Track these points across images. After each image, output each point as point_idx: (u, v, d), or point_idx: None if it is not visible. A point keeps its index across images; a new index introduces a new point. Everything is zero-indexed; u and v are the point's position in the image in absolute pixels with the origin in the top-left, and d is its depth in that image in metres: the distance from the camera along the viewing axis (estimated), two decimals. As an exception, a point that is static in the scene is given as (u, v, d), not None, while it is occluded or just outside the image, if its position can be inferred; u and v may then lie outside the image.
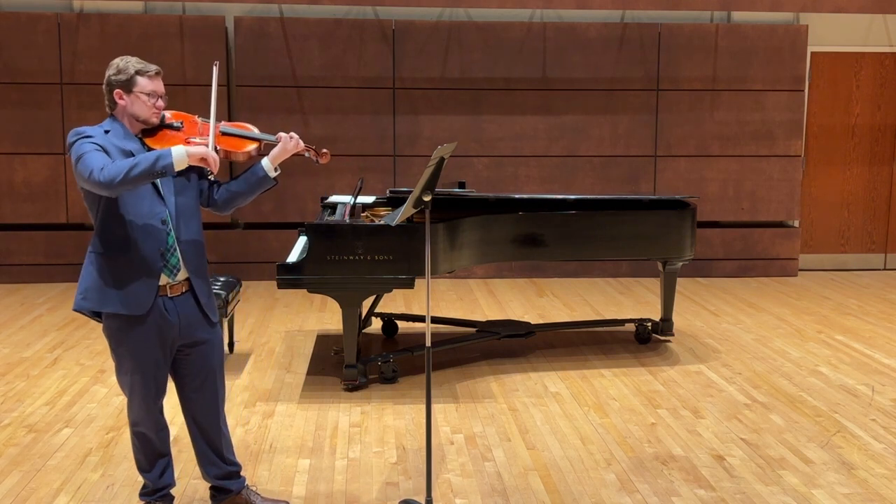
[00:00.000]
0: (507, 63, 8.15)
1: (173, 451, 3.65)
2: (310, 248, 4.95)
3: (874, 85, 8.69)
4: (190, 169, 3.31)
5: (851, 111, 8.71)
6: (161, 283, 3.20)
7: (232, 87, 8.05)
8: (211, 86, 3.40)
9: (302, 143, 3.42)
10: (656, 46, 8.24)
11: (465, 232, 5.24)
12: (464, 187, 5.81)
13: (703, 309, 7.16)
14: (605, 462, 4.12)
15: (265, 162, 3.38)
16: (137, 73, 3.19)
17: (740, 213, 8.51)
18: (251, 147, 3.39)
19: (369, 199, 5.94)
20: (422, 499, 3.59)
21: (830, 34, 8.57)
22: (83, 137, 3.10)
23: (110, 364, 5.44)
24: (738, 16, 8.39)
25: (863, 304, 7.40)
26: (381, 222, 5.24)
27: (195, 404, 3.42)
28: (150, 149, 3.23)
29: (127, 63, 3.21)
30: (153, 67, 3.24)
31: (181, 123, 3.34)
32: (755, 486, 3.87)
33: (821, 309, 7.21)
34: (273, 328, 6.49)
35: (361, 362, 5.17)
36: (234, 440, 3.95)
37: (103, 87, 3.23)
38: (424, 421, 4.19)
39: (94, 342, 6.01)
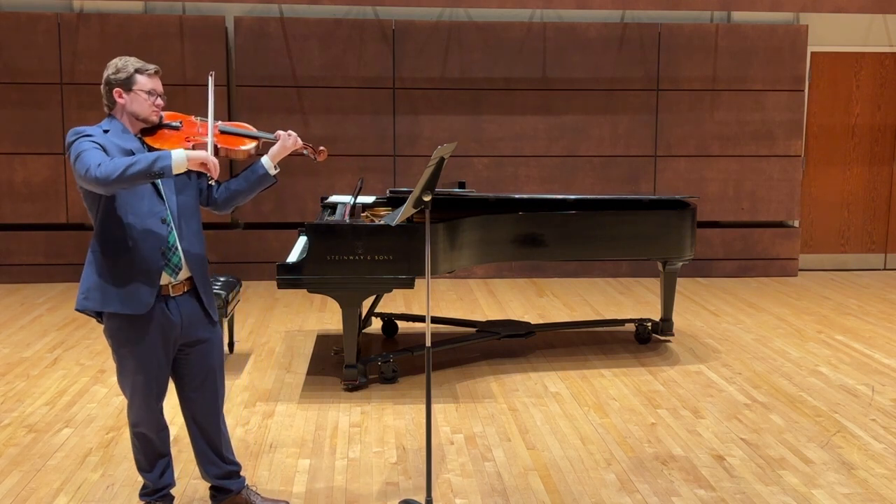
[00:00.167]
0: (507, 63, 8.15)
1: (173, 451, 3.65)
2: (310, 248, 4.95)
3: (874, 85, 8.69)
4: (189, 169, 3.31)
5: (851, 111, 8.71)
6: (163, 282, 3.21)
7: (232, 87, 8.05)
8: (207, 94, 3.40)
9: (300, 141, 3.45)
10: (656, 46, 8.24)
11: (465, 232, 5.24)
12: (464, 187, 5.81)
13: (703, 309, 7.16)
14: (605, 462, 4.13)
15: (265, 160, 3.40)
16: (137, 71, 3.20)
17: (740, 213, 8.51)
18: (251, 145, 3.41)
19: (369, 199, 5.94)
20: (422, 499, 3.59)
21: (830, 34, 8.57)
22: (82, 136, 3.10)
23: (110, 364, 5.45)
24: (738, 16, 8.39)
25: (863, 304, 7.40)
26: (381, 222, 5.24)
27: (195, 404, 3.42)
28: (149, 148, 3.24)
29: (126, 62, 3.22)
30: (152, 66, 3.26)
31: (180, 123, 3.35)
32: (755, 486, 3.87)
33: (821, 309, 7.21)
34: (273, 328, 6.49)
35: (361, 362, 5.17)
36: (234, 440, 3.95)
37: (102, 86, 3.23)
38: (424, 421, 4.19)
39: (94, 342, 6.01)
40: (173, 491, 3.53)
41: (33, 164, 7.88)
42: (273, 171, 3.40)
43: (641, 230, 5.72)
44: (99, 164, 2.96)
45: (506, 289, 7.86)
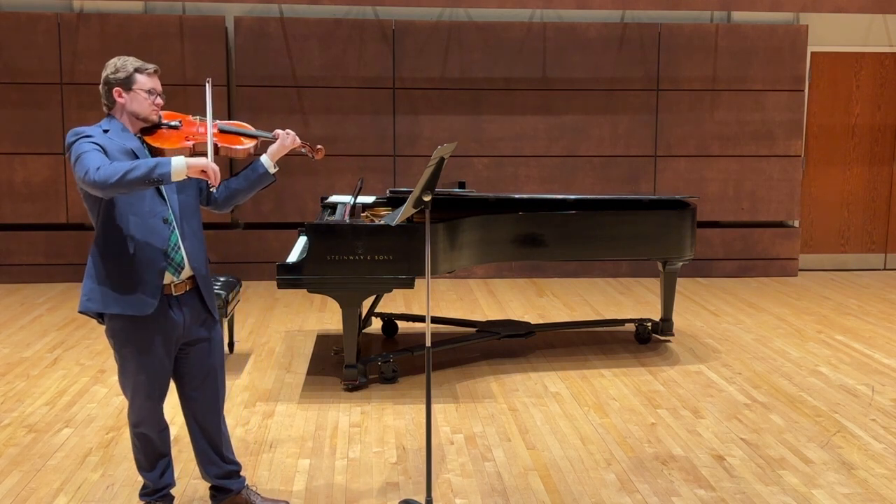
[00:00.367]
0: (507, 63, 8.15)
1: (173, 450, 3.65)
2: (310, 248, 4.95)
3: (874, 85, 8.69)
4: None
5: (851, 111, 8.71)
6: (165, 281, 3.21)
7: (232, 87, 8.05)
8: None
9: (298, 140, 3.48)
10: (656, 46, 8.24)
11: (465, 232, 5.24)
12: (464, 187, 5.81)
13: (703, 309, 7.16)
14: (605, 462, 4.13)
15: (264, 159, 3.41)
16: (136, 70, 3.20)
17: (740, 213, 8.51)
18: (250, 144, 3.43)
19: (369, 199, 5.94)
20: (422, 499, 3.59)
21: (830, 34, 8.57)
22: (82, 137, 3.10)
23: (110, 364, 5.46)
24: (738, 16, 8.39)
25: (863, 304, 7.40)
26: (381, 222, 5.24)
27: (196, 403, 3.42)
28: (149, 147, 3.24)
29: (125, 62, 3.22)
30: (151, 66, 3.26)
31: (179, 122, 3.35)
32: (755, 486, 3.87)
33: (821, 309, 7.21)
34: (273, 328, 6.49)
35: (361, 362, 5.17)
36: (234, 440, 3.95)
37: (101, 86, 3.23)
38: (424, 421, 4.19)
39: (94, 342, 6.01)
40: (173, 491, 3.53)
41: (33, 164, 7.88)
42: (272, 170, 3.42)
43: (641, 230, 5.72)
44: (98, 168, 2.94)
45: (506, 289, 7.86)
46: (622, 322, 6.23)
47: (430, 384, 3.54)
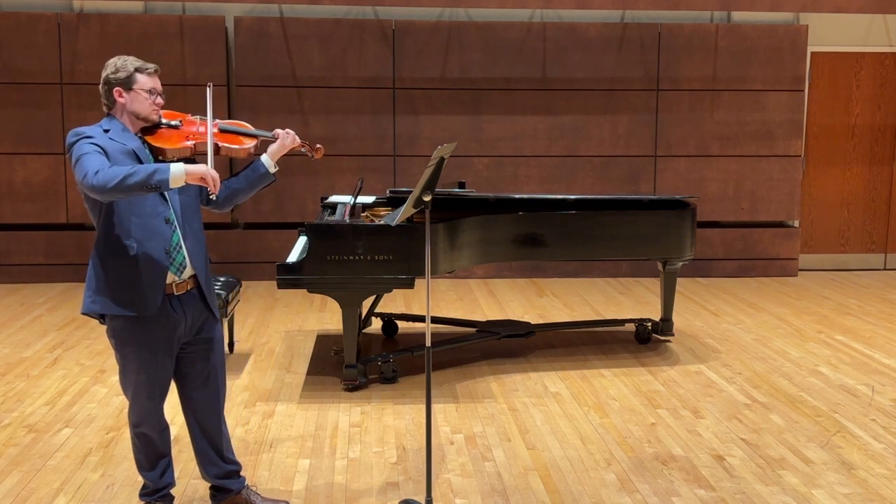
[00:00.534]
0: (507, 63, 8.15)
1: (173, 451, 3.64)
2: (310, 248, 4.95)
3: (874, 85, 8.69)
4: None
5: (851, 111, 8.71)
6: (167, 281, 3.21)
7: (232, 87, 8.05)
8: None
9: (298, 139, 3.50)
10: (656, 46, 8.24)
11: (465, 232, 5.23)
12: (464, 187, 5.81)
13: (703, 309, 7.16)
14: (605, 462, 4.13)
15: (265, 158, 3.42)
16: (137, 70, 3.20)
17: (740, 213, 8.51)
18: (250, 144, 3.43)
19: (369, 199, 5.94)
20: (422, 499, 3.59)
21: (830, 34, 8.57)
22: (83, 138, 3.10)
23: (110, 364, 5.46)
24: (738, 16, 8.39)
25: (863, 304, 7.40)
26: (381, 222, 5.24)
27: (197, 402, 3.42)
28: (150, 147, 3.24)
29: (125, 61, 3.22)
30: (151, 65, 3.26)
31: (179, 122, 3.35)
32: (755, 486, 3.87)
33: (821, 309, 7.21)
34: (273, 328, 6.49)
35: (361, 362, 5.17)
36: (234, 440, 3.95)
37: (100, 86, 3.23)
38: (424, 421, 4.19)
39: (94, 342, 6.01)
40: (173, 491, 3.53)
41: (33, 164, 7.88)
42: (273, 170, 3.43)
43: (641, 230, 5.72)
44: (96, 172, 2.93)
45: (506, 289, 7.86)
46: (622, 322, 6.23)
47: (430, 384, 3.54)
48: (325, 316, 6.85)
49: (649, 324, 6.13)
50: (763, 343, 6.15)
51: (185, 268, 3.26)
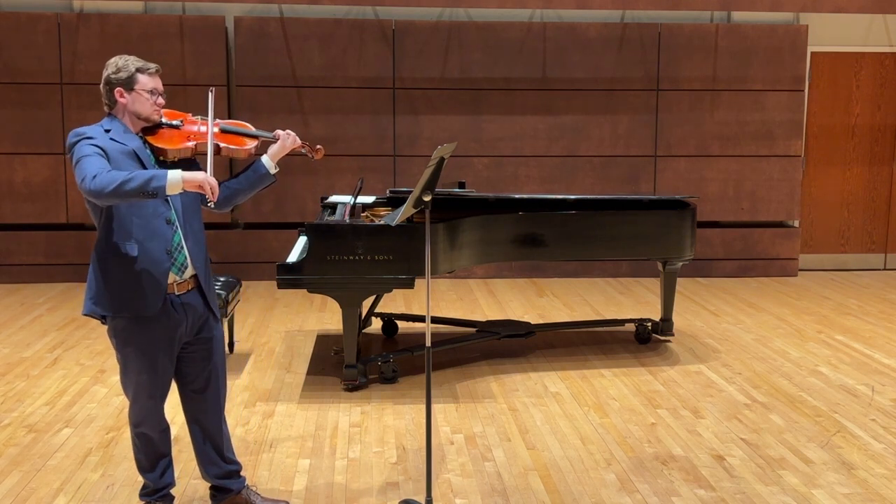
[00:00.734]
0: (507, 63, 8.15)
1: (173, 450, 3.64)
2: (310, 248, 4.95)
3: (874, 85, 8.69)
4: (191, 168, 3.32)
5: (851, 111, 8.71)
6: (168, 281, 3.21)
7: (232, 87, 8.05)
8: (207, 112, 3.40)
9: (298, 140, 3.50)
10: (656, 46, 8.24)
11: (465, 232, 5.24)
12: (464, 187, 5.81)
13: (703, 309, 7.16)
14: (605, 462, 4.13)
15: (265, 159, 3.42)
16: (138, 70, 3.19)
17: (740, 213, 8.51)
18: (251, 145, 3.44)
19: (369, 199, 5.94)
20: (422, 499, 3.59)
21: (830, 34, 8.57)
22: (84, 139, 3.09)
23: (110, 364, 5.46)
24: (738, 16, 8.39)
25: (863, 304, 7.40)
26: (381, 222, 5.24)
27: (197, 402, 3.42)
28: (151, 147, 3.24)
29: (126, 61, 3.21)
30: (152, 65, 3.25)
31: (181, 122, 3.35)
32: (755, 486, 3.87)
33: (821, 309, 7.21)
34: (273, 328, 6.49)
35: (361, 362, 5.17)
36: (234, 440, 3.95)
37: (101, 86, 3.22)
38: (424, 421, 4.19)
39: (94, 342, 6.01)
40: (173, 491, 3.53)
41: (33, 164, 7.88)
42: (273, 171, 3.44)
43: (641, 230, 5.72)
44: (94, 176, 2.93)
45: (506, 289, 7.86)
46: (622, 322, 6.23)
47: (430, 384, 3.54)
48: (325, 316, 6.85)
49: (649, 324, 6.13)
50: (763, 343, 6.16)
51: (186, 268, 3.26)
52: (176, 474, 3.61)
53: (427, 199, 3.48)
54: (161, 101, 3.26)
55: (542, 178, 8.31)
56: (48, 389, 5.07)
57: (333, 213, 5.66)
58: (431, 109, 8.15)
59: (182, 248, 3.25)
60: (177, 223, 3.24)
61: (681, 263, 5.91)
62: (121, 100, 3.20)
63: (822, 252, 8.87)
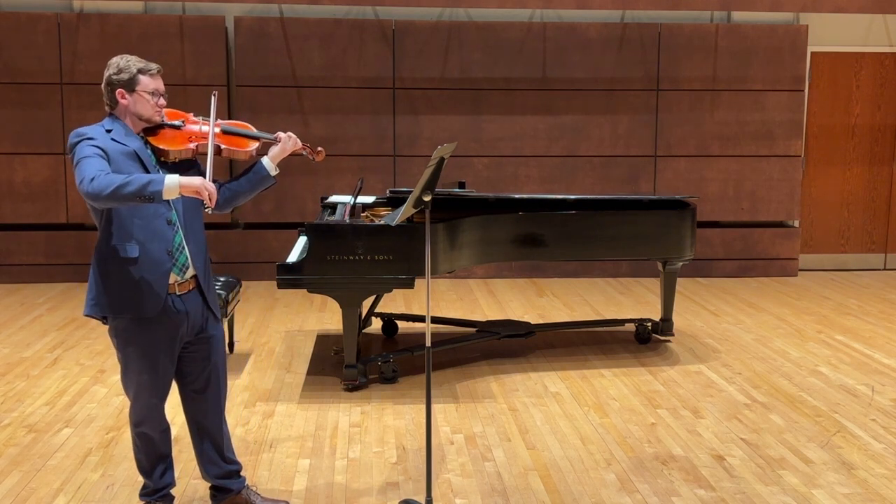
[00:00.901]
0: (507, 63, 8.15)
1: (173, 451, 3.64)
2: (310, 248, 4.95)
3: (874, 85, 8.69)
4: (191, 169, 3.32)
5: (851, 111, 8.71)
6: (170, 281, 3.21)
7: (232, 87, 8.05)
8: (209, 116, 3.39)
9: (299, 142, 3.50)
10: (656, 46, 8.24)
11: (465, 232, 5.24)
12: (464, 187, 5.81)
13: (703, 309, 7.16)
14: (605, 462, 4.13)
15: (266, 161, 3.42)
16: (140, 71, 3.19)
17: (740, 213, 8.51)
18: (253, 146, 3.44)
19: (369, 199, 5.94)
20: (422, 499, 3.59)
21: (830, 34, 8.57)
22: (84, 139, 3.09)
23: (110, 364, 5.46)
24: (738, 16, 8.39)
25: (863, 304, 7.40)
26: (381, 222, 5.24)
27: (198, 402, 3.43)
28: (152, 147, 3.24)
29: (128, 62, 3.20)
30: (154, 66, 3.24)
31: (182, 122, 3.35)
32: (755, 486, 3.87)
33: (821, 309, 7.21)
34: (273, 328, 6.49)
35: (361, 362, 5.17)
36: (234, 440, 3.95)
37: (103, 86, 3.22)
38: (424, 421, 4.19)
39: (94, 342, 6.01)
40: (173, 491, 3.53)
41: (33, 164, 7.88)
42: (273, 172, 3.44)
43: (641, 230, 5.72)
44: (92, 179, 2.92)
45: (506, 289, 7.86)
46: (622, 322, 6.23)
47: (430, 384, 3.54)
48: (325, 316, 6.85)
49: (649, 324, 6.13)
50: (763, 343, 6.16)
51: (187, 268, 3.27)
52: (176, 474, 3.61)
53: (427, 199, 3.48)
54: (162, 102, 3.26)
55: (542, 178, 8.31)
56: (48, 389, 5.07)
57: (333, 213, 5.66)
58: (431, 109, 8.15)
59: (183, 248, 3.25)
60: (178, 224, 3.24)
61: (681, 263, 5.91)
62: (122, 101, 3.20)
63: (822, 252, 8.87)
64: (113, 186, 2.90)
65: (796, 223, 8.67)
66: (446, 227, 5.08)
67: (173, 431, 4.02)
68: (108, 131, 3.17)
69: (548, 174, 8.31)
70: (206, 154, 3.26)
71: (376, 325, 6.41)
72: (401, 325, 6.35)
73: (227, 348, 5.69)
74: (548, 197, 6.03)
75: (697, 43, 8.27)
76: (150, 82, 3.20)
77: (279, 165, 3.46)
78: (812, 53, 8.54)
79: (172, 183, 2.95)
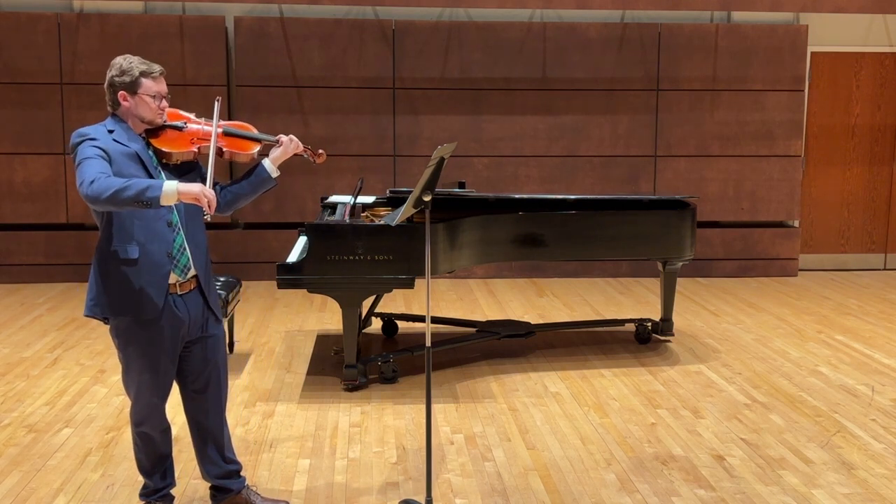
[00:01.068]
0: (507, 63, 8.15)
1: (173, 451, 3.64)
2: (310, 248, 4.95)
3: (874, 85, 8.69)
4: (192, 171, 3.32)
5: (851, 111, 8.71)
6: (171, 280, 3.21)
7: (232, 87, 8.05)
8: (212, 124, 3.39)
9: (301, 145, 3.50)
10: (656, 46, 8.24)
11: (465, 232, 5.24)
12: (464, 187, 5.81)
13: (703, 309, 7.16)
14: (605, 462, 4.13)
15: (267, 164, 3.44)
16: (142, 74, 3.17)
17: (740, 213, 8.51)
18: (255, 149, 3.45)
19: (369, 199, 5.94)
20: (422, 499, 3.59)
21: (830, 34, 8.57)
22: (87, 140, 3.09)
23: (110, 364, 5.46)
24: (738, 16, 8.39)
25: (863, 304, 7.40)
26: (381, 222, 5.24)
27: (199, 402, 3.42)
28: (154, 149, 3.24)
29: (131, 64, 3.19)
30: (157, 68, 3.23)
31: (184, 123, 3.35)
32: (755, 486, 3.87)
33: (821, 309, 7.21)
34: (273, 328, 6.49)
35: (361, 362, 5.17)
36: (234, 440, 3.95)
37: (105, 86, 3.21)
38: (424, 421, 4.19)
39: (94, 342, 6.01)
40: (173, 491, 3.54)
41: (33, 164, 7.88)
42: (274, 175, 3.45)
43: (641, 230, 5.72)
44: (92, 181, 2.92)
45: (506, 289, 7.86)
46: (622, 322, 6.23)
47: (430, 384, 3.54)
48: (325, 316, 6.85)
49: (649, 324, 6.13)
50: (763, 343, 6.15)
51: (189, 269, 3.27)
52: (176, 474, 3.61)
53: (427, 199, 3.48)
54: (165, 104, 3.25)
55: (542, 178, 8.31)
56: (48, 389, 5.07)
57: (333, 213, 5.66)
58: (431, 109, 8.15)
59: (184, 249, 3.25)
60: (178, 225, 3.24)
61: (681, 263, 5.91)
62: (124, 103, 3.19)
63: (822, 252, 8.87)
64: (111, 190, 2.90)
65: (796, 223, 8.67)
66: (446, 227, 5.08)
67: (173, 431, 4.02)
68: (111, 132, 3.16)
69: (548, 174, 8.31)
70: (208, 155, 3.26)
71: (376, 325, 6.41)
72: (401, 325, 6.35)
73: (227, 348, 5.71)
74: (548, 197, 6.03)
75: (697, 43, 8.27)
76: (153, 85, 3.19)
77: (279, 166, 3.46)
78: (812, 53, 8.54)
79: (170, 189, 2.94)
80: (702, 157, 8.42)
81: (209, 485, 3.57)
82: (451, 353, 5.75)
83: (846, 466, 4.08)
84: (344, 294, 5.01)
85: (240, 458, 3.65)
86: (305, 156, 3.58)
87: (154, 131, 3.27)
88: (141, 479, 3.52)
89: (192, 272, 3.29)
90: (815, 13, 8.33)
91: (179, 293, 3.25)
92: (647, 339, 6.09)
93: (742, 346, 6.08)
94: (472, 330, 6.03)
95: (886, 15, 8.50)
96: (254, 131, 3.51)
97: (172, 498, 3.53)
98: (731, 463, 4.12)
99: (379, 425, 4.56)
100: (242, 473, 3.60)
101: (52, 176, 7.90)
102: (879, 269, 8.90)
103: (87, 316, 3.24)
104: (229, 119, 7.66)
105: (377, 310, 6.34)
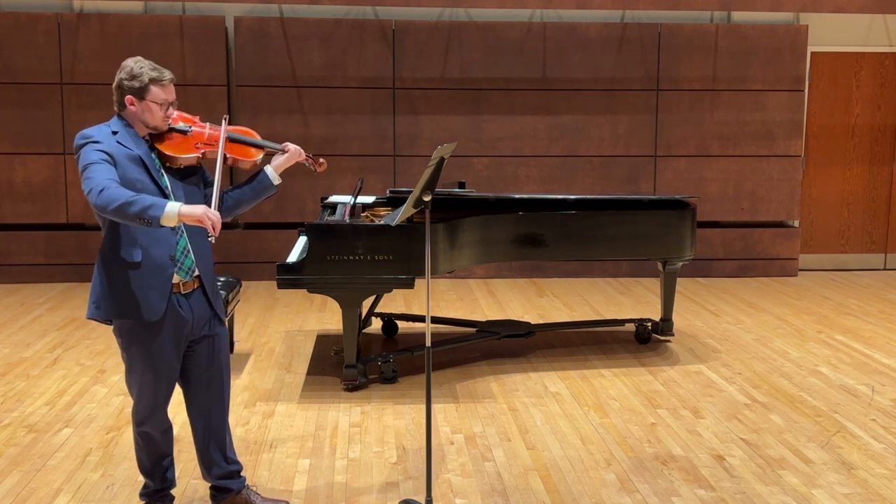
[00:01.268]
0: (507, 63, 8.15)
1: (174, 450, 3.64)
2: (310, 248, 4.95)
3: (874, 85, 8.69)
4: (195, 174, 3.33)
5: (851, 111, 8.71)
6: (174, 281, 3.21)
7: (232, 87, 8.05)
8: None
9: (304, 154, 3.53)
10: (656, 46, 8.24)
11: (465, 232, 5.24)
12: (464, 187, 5.81)
13: (703, 309, 7.16)
14: (605, 462, 4.13)
15: (269, 171, 3.46)
16: (151, 81, 3.16)
17: (740, 213, 8.51)
18: (259, 156, 3.46)
19: (369, 199, 5.94)
20: (422, 499, 3.59)
21: (830, 34, 8.57)
22: (91, 142, 3.08)
23: (110, 364, 5.46)
24: (738, 16, 8.39)
25: (863, 304, 7.40)
26: (381, 222, 5.24)
27: (201, 402, 3.42)
28: (159, 153, 3.23)
29: (141, 69, 3.17)
30: (168, 75, 3.21)
31: (189, 127, 3.34)
32: (755, 486, 3.87)
33: (821, 309, 7.21)
34: (273, 328, 6.49)
35: (361, 362, 5.17)
36: (234, 440, 3.95)
37: (113, 87, 3.20)
38: (424, 421, 4.19)
39: (94, 342, 6.01)
40: (173, 491, 3.54)
41: (33, 164, 7.88)
42: (276, 182, 3.46)
43: (641, 230, 5.72)
44: (101, 190, 2.93)
45: (506, 289, 7.86)
46: (622, 322, 6.23)
47: (430, 384, 3.54)
48: (325, 316, 6.85)
49: (649, 324, 6.13)
50: (763, 343, 6.16)
51: (193, 271, 3.27)
52: (176, 474, 3.61)
53: (427, 199, 3.48)
54: (171, 111, 3.24)
55: (542, 178, 8.31)
56: (48, 389, 5.07)
57: (333, 213, 5.66)
58: (431, 109, 8.15)
59: (188, 252, 3.25)
60: (182, 228, 3.23)
61: (681, 263, 5.91)
62: (130, 107, 3.18)
63: (822, 252, 8.87)
64: (118, 203, 2.92)
65: (796, 223, 8.67)
66: (446, 227, 5.08)
67: (174, 431, 4.02)
68: (115, 133, 3.16)
69: (548, 174, 8.31)
70: (212, 160, 3.26)
71: (376, 325, 6.41)
72: (401, 325, 6.35)
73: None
74: (548, 197, 6.03)
75: (697, 43, 8.27)
76: (161, 93, 3.18)
77: (280, 174, 3.48)
78: (812, 53, 8.54)
79: (172, 211, 2.94)
80: (702, 157, 8.42)
81: (209, 485, 3.57)
82: (451, 353, 5.75)
83: (846, 466, 4.08)
84: (344, 294, 5.01)
85: (240, 458, 3.65)
86: (307, 164, 3.60)
87: (158, 135, 3.26)
88: (141, 479, 3.52)
89: (196, 273, 3.29)
90: (815, 13, 8.34)
91: (183, 292, 3.25)
92: (647, 339, 6.09)
93: (742, 346, 6.08)
94: (472, 330, 6.03)
95: (886, 15, 8.51)
96: (258, 138, 3.51)
97: (172, 498, 3.53)
98: (731, 463, 4.12)
99: (379, 425, 4.56)
100: (242, 473, 3.60)
101: (52, 176, 7.90)
102: (879, 269, 8.91)
103: (89, 318, 3.24)
104: (230, 123, 7.66)
105: (377, 310, 6.34)
